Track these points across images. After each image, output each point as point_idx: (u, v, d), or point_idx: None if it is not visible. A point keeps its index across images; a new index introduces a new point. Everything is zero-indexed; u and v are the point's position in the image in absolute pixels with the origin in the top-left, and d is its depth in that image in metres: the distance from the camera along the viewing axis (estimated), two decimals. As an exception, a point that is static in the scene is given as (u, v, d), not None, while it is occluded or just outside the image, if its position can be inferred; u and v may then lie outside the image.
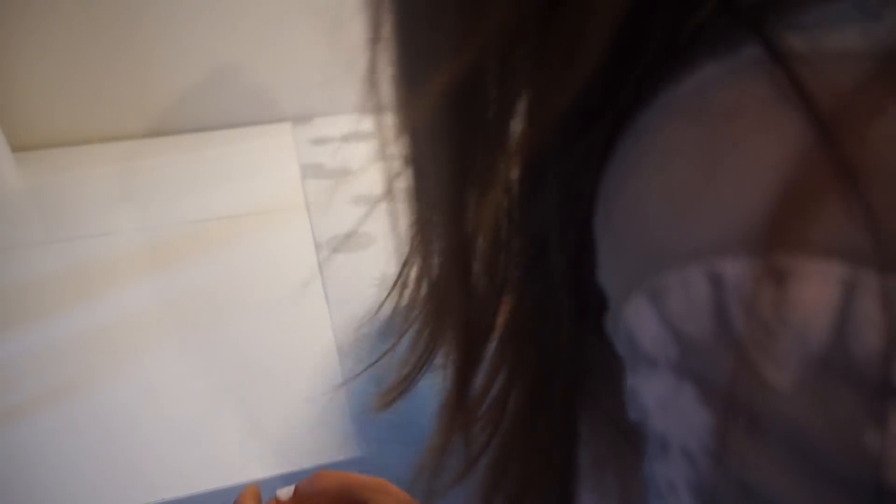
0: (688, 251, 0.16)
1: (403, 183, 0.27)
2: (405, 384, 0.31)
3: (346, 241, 0.70)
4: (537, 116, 0.20)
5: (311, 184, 0.81)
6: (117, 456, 0.47)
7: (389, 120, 0.26)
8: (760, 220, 0.15)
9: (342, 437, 0.48)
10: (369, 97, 0.26)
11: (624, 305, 0.18)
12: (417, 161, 0.26)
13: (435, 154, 0.24)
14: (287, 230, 0.72)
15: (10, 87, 0.86)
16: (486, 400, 0.28)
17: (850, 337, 0.14)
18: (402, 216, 0.28)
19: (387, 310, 0.29)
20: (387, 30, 0.24)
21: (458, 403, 0.27)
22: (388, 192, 0.28)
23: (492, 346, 0.27)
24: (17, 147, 0.85)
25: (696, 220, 0.16)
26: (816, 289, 0.15)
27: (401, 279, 0.29)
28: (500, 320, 0.26)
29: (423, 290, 0.28)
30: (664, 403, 0.18)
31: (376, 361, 0.32)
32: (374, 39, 0.24)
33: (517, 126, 0.21)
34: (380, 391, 0.32)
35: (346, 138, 0.93)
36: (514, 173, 0.22)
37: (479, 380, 0.28)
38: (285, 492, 0.39)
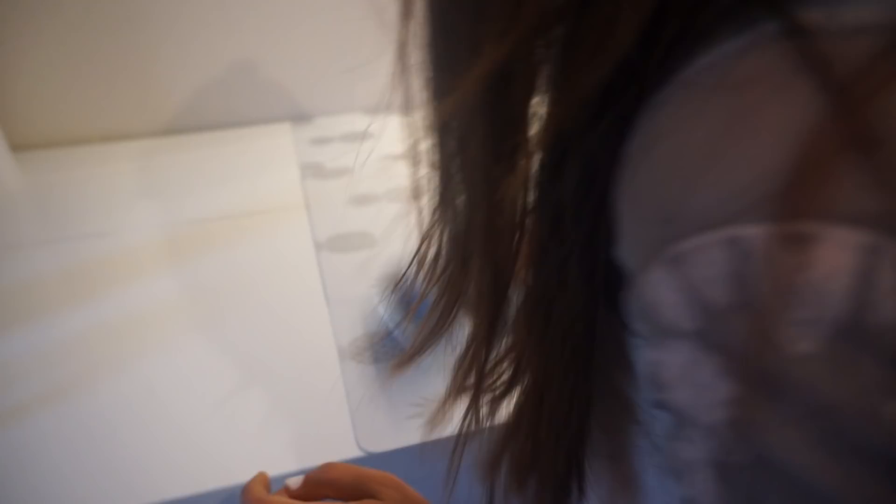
0: (708, 218, 0.16)
1: (431, 158, 0.28)
2: (420, 351, 0.32)
3: (346, 241, 0.70)
4: (564, 98, 0.20)
5: (311, 184, 0.81)
6: (118, 456, 0.47)
7: (419, 103, 0.27)
8: (780, 187, 0.15)
9: (342, 437, 0.48)
10: (398, 82, 0.26)
11: (643, 276, 0.18)
12: (446, 140, 0.27)
13: (465, 134, 0.25)
14: (287, 230, 0.72)
15: (9, 87, 0.86)
16: (500, 367, 0.28)
17: (869, 304, 0.14)
18: (426, 193, 0.29)
19: (405, 280, 0.30)
20: (419, 16, 0.24)
21: (472, 364, 0.28)
22: (414, 165, 0.29)
23: (508, 315, 0.27)
24: (17, 147, 0.85)
25: (716, 187, 0.16)
26: (836, 254, 0.14)
27: (420, 253, 0.30)
28: (517, 292, 0.27)
29: (443, 263, 0.29)
30: (685, 376, 0.18)
31: (396, 327, 0.33)
32: (405, 20, 0.24)
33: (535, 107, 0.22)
34: (395, 358, 0.33)
35: (346, 138, 0.93)
36: (538, 152, 0.22)
37: (494, 346, 0.28)
38: (294, 480, 0.39)
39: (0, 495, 0.45)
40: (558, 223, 0.23)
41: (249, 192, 0.79)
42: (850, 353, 0.15)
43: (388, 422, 0.49)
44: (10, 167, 0.81)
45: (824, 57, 0.15)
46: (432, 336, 0.31)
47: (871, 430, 0.15)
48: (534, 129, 0.22)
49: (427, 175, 0.28)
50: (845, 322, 0.15)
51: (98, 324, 0.59)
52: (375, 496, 0.38)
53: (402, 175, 0.85)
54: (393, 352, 0.59)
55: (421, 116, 0.26)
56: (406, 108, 0.27)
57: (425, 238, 0.29)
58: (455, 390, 0.30)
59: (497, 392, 0.30)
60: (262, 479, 0.41)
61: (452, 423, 0.31)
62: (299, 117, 0.98)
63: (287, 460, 0.46)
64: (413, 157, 0.28)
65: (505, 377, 0.29)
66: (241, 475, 0.45)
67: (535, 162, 0.23)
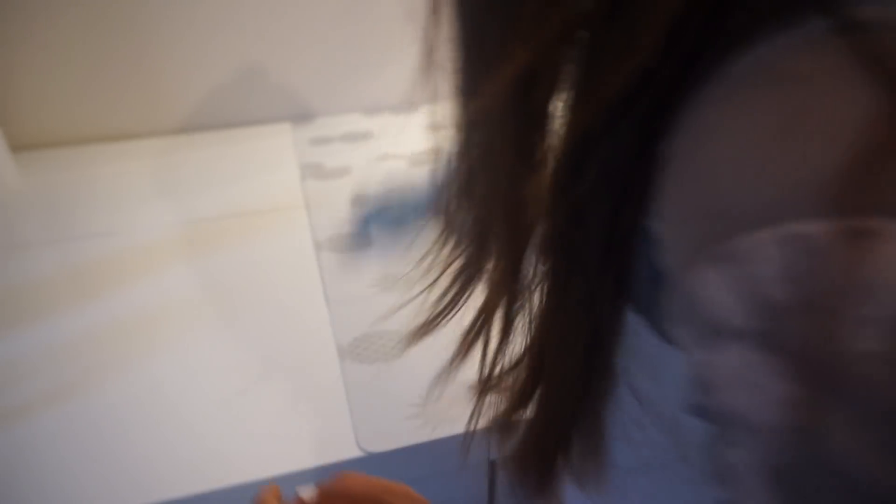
0: (763, 215, 0.16)
1: (455, 150, 0.28)
2: (437, 321, 0.33)
3: (346, 241, 0.70)
4: (588, 100, 0.20)
5: (311, 184, 0.81)
6: (119, 456, 0.47)
7: (443, 100, 0.27)
8: (839, 182, 0.15)
9: (342, 437, 0.48)
10: (424, 79, 0.27)
11: (690, 274, 0.18)
12: (470, 135, 0.27)
13: (488, 131, 0.25)
14: (287, 230, 0.72)
15: (10, 87, 0.86)
16: (508, 344, 0.29)
17: None
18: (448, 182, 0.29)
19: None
20: (446, 15, 0.25)
21: (481, 343, 0.29)
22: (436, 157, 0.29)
23: (521, 299, 0.27)
24: (17, 147, 0.85)
25: (773, 183, 0.16)
26: None
27: (441, 235, 0.30)
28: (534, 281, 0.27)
29: (461, 247, 0.29)
30: (738, 377, 0.17)
31: (417, 296, 0.34)
32: (433, 19, 0.25)
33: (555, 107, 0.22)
34: (413, 327, 0.34)
35: (346, 138, 0.93)
36: (559, 149, 0.22)
37: (507, 335, 0.29)
38: (307, 491, 0.38)
39: (9, 493, 0.45)
40: (576, 220, 0.23)
41: (249, 192, 0.79)
42: None
43: (388, 422, 0.49)
44: (10, 167, 0.81)
45: (879, 52, 0.15)
46: (446, 311, 0.31)
47: None
48: (555, 126, 0.23)
49: (450, 164, 0.28)
50: None
51: (98, 324, 0.59)
52: None
53: (401, 174, 0.85)
54: (363, 244, 0.70)
55: (446, 113, 0.27)
56: (431, 104, 0.28)
57: (447, 221, 0.29)
58: (463, 347, 0.31)
59: (505, 374, 0.30)
60: (274, 491, 0.40)
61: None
62: (299, 117, 0.98)
63: (287, 460, 0.46)
64: (436, 149, 0.29)
65: (513, 360, 0.29)
66: (241, 475, 0.45)
67: (556, 158, 0.23)
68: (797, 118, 0.16)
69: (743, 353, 0.17)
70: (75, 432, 0.49)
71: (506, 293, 0.28)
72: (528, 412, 0.30)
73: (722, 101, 0.18)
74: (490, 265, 0.28)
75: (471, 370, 0.34)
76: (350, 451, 0.47)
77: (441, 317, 0.32)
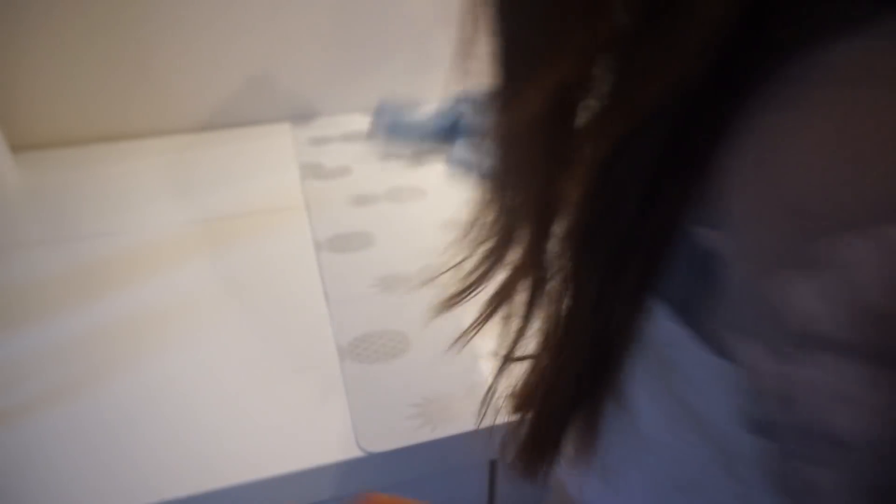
0: (858, 216, 0.15)
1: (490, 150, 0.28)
2: (466, 293, 0.33)
3: (346, 241, 0.70)
4: (626, 105, 0.20)
5: (310, 184, 0.81)
6: (118, 456, 0.47)
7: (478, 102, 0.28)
8: None
9: (342, 437, 0.48)
10: (458, 78, 0.27)
11: (766, 282, 0.17)
12: (507, 138, 0.27)
13: (526, 136, 0.25)
14: (287, 230, 0.72)
15: (10, 87, 0.86)
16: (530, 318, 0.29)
17: None
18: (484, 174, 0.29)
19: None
20: (484, 20, 0.24)
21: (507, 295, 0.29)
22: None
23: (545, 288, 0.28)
24: (17, 147, 0.85)
25: (867, 183, 0.15)
26: None
27: (474, 219, 0.30)
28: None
29: (491, 232, 0.29)
30: (826, 391, 0.16)
31: (447, 271, 0.34)
32: (470, 25, 0.25)
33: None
34: (443, 297, 0.34)
35: (346, 138, 0.93)
36: (594, 153, 0.22)
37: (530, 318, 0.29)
38: None
39: (9, 493, 0.45)
40: (604, 220, 0.23)
41: (249, 192, 0.80)
42: None
43: (388, 422, 0.49)
44: (10, 167, 0.81)
45: None
46: (471, 288, 0.32)
47: None
48: (589, 128, 0.23)
49: (487, 160, 0.29)
50: None
51: (98, 324, 0.59)
52: None
53: (401, 175, 0.86)
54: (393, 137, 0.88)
55: (484, 116, 0.27)
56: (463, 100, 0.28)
57: (481, 207, 0.29)
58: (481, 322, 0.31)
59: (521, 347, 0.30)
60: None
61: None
62: (299, 117, 0.98)
63: (287, 460, 0.46)
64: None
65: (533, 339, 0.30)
66: (240, 475, 0.45)
67: (589, 160, 0.22)
68: (883, 118, 0.15)
69: (836, 364, 0.16)
70: (75, 432, 0.49)
71: (524, 278, 0.28)
72: (532, 403, 0.31)
73: (795, 103, 0.17)
74: (514, 253, 0.29)
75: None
76: (350, 451, 0.47)
77: (467, 292, 0.33)
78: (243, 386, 0.52)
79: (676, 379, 0.24)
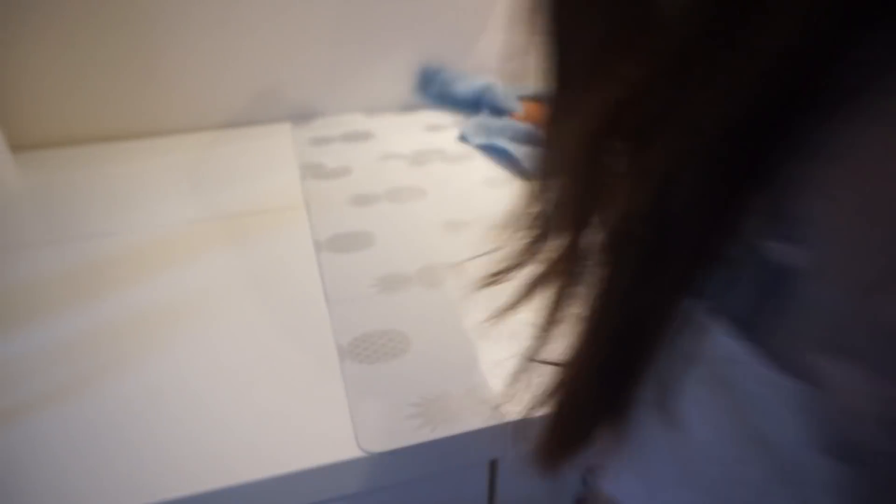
0: None
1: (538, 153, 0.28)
2: (501, 276, 0.33)
3: (346, 241, 0.70)
4: (688, 122, 0.20)
5: (310, 184, 0.81)
6: (118, 456, 0.47)
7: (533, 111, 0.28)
8: None
9: (342, 437, 0.48)
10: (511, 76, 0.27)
11: (875, 300, 0.16)
12: (555, 149, 0.27)
13: (576, 150, 0.25)
14: (287, 230, 0.72)
15: (10, 87, 0.86)
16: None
17: None
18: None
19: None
20: (539, 35, 0.24)
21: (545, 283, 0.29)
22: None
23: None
24: (17, 147, 0.85)
25: None
26: None
27: (517, 217, 0.30)
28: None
29: (533, 232, 0.29)
30: None
31: (484, 254, 0.34)
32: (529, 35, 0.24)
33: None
34: (484, 274, 0.34)
35: (346, 138, 0.93)
36: (651, 167, 0.22)
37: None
38: None
39: (9, 493, 0.45)
40: (657, 234, 0.22)
41: (249, 192, 0.80)
42: None
43: (388, 422, 0.49)
44: (10, 167, 0.81)
45: None
46: (506, 272, 0.32)
47: None
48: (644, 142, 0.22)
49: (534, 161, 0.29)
50: None
51: (98, 324, 0.59)
52: None
53: (401, 175, 0.86)
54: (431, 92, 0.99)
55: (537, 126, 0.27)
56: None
57: (527, 205, 0.29)
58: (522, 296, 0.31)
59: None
60: None
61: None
62: (299, 117, 0.98)
63: (287, 460, 0.46)
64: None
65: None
66: (240, 475, 0.45)
67: (645, 173, 0.22)
68: None
69: None
70: (75, 432, 0.49)
71: (558, 274, 0.28)
72: (556, 402, 0.30)
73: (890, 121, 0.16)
74: (551, 247, 0.29)
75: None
76: (350, 451, 0.47)
77: (502, 276, 0.33)
78: (242, 386, 0.52)
79: (735, 397, 0.24)
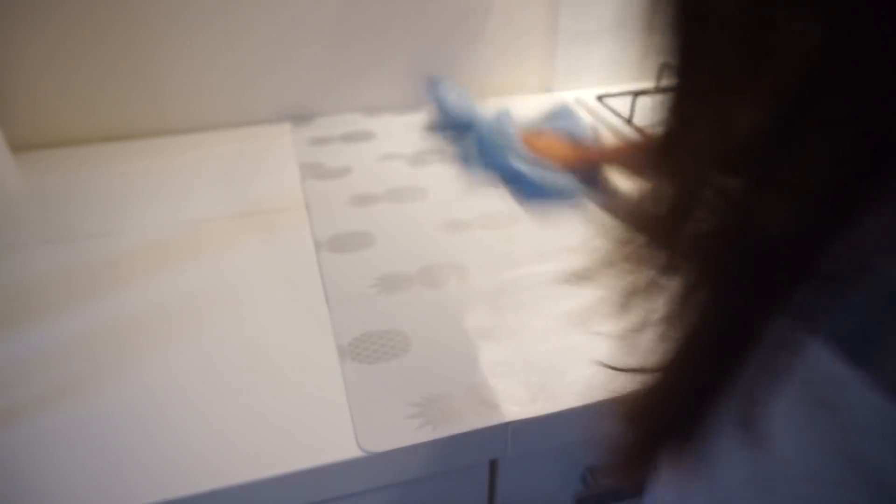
0: None
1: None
2: (593, 275, 0.33)
3: (346, 241, 0.70)
4: (802, 157, 0.19)
5: (311, 184, 0.81)
6: (118, 456, 0.47)
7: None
8: None
9: (342, 437, 0.48)
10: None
11: None
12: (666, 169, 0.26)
13: (685, 178, 0.25)
14: (287, 230, 0.72)
15: (9, 87, 0.86)
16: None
17: None
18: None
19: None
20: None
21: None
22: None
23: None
24: (18, 147, 0.85)
25: None
26: None
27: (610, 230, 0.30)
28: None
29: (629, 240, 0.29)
30: None
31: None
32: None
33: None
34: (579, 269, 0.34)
35: (345, 138, 0.93)
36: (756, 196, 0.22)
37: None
38: None
39: (9, 493, 0.45)
40: (760, 257, 0.22)
41: (249, 192, 0.80)
42: None
43: (388, 422, 0.49)
44: (10, 167, 0.81)
45: None
46: (601, 270, 0.32)
47: None
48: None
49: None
50: None
51: (98, 324, 0.59)
52: None
53: (401, 175, 0.85)
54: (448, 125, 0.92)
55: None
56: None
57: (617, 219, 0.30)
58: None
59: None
60: None
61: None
62: (299, 117, 0.98)
63: (287, 460, 0.46)
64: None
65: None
66: (240, 475, 0.45)
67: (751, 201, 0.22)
68: None
69: None
70: (75, 432, 0.49)
71: (651, 287, 0.28)
72: (639, 414, 0.30)
73: None
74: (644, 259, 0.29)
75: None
76: (350, 451, 0.47)
77: (597, 273, 0.32)
78: (243, 386, 0.52)
79: (836, 419, 0.23)
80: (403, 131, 0.95)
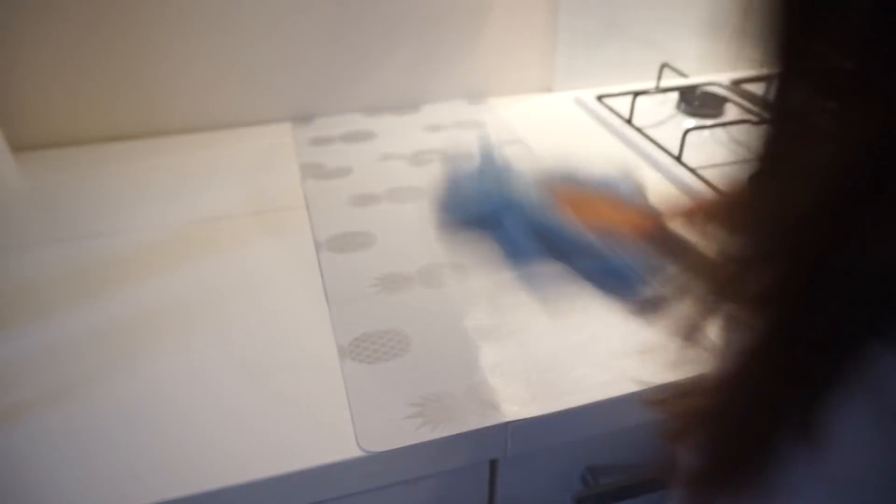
0: None
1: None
2: (666, 304, 0.32)
3: (346, 241, 0.70)
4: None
5: (311, 184, 0.81)
6: (118, 456, 0.47)
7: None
8: None
9: (342, 437, 0.48)
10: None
11: None
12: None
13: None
14: (287, 230, 0.72)
15: (10, 87, 0.86)
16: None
17: None
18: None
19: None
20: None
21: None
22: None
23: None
24: (18, 147, 0.85)
25: None
26: None
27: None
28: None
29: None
30: None
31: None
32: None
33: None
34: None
35: (345, 138, 0.93)
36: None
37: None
38: None
39: (8, 493, 0.45)
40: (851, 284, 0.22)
41: (249, 192, 0.80)
42: None
43: (388, 422, 0.49)
44: (10, 167, 0.81)
45: None
46: (675, 294, 0.32)
47: None
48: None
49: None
50: None
51: (98, 324, 0.59)
52: None
53: (401, 175, 0.85)
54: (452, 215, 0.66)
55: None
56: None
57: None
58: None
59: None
60: None
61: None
62: (299, 117, 0.98)
63: (287, 460, 0.46)
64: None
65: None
66: (239, 475, 0.45)
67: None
68: None
69: None
70: (75, 432, 0.49)
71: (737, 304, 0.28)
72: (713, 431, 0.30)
73: None
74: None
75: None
76: (350, 451, 0.47)
77: (671, 299, 0.32)
78: (243, 385, 0.52)
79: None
80: (403, 131, 0.95)
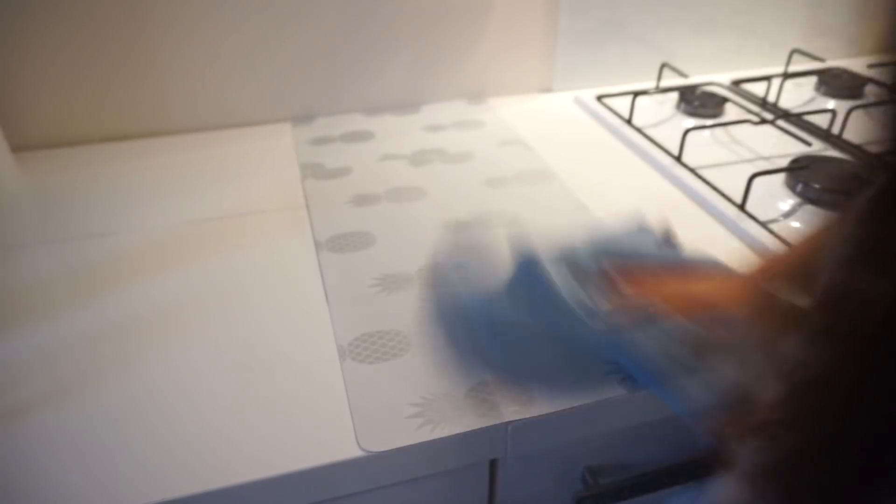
0: None
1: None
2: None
3: (346, 241, 0.70)
4: None
5: (311, 184, 0.81)
6: (118, 456, 0.47)
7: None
8: None
9: (342, 437, 0.48)
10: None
11: None
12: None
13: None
14: (287, 230, 0.72)
15: (10, 87, 0.86)
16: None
17: None
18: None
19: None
20: None
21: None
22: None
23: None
24: (18, 147, 0.85)
25: None
26: None
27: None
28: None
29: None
30: None
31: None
32: None
33: None
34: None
35: (345, 138, 0.93)
36: None
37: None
38: None
39: (8, 493, 0.45)
40: None
41: (249, 192, 0.80)
42: None
43: (388, 422, 0.49)
44: (10, 167, 0.81)
45: None
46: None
47: None
48: None
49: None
50: None
51: (98, 324, 0.59)
52: None
53: (401, 175, 0.85)
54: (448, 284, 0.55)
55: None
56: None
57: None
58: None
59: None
60: None
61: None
62: (299, 117, 0.98)
63: (287, 460, 0.46)
64: None
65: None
66: (239, 475, 0.45)
67: None
68: None
69: None
70: (74, 432, 0.49)
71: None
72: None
73: None
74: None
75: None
76: (350, 451, 0.47)
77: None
78: (243, 385, 0.52)
79: None
80: (403, 131, 0.95)
